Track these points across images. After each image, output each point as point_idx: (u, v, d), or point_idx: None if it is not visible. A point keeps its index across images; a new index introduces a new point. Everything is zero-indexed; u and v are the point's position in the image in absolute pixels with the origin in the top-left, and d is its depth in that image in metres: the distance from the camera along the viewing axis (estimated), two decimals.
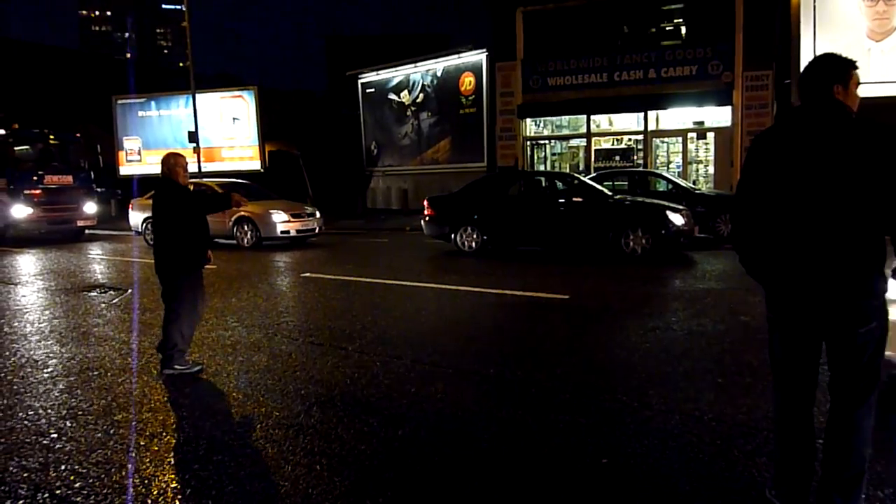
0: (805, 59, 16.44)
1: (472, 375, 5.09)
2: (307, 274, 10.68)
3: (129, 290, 9.50)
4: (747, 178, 2.75)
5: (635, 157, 19.85)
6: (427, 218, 13.23)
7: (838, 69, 2.68)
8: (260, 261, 12.61)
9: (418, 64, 24.12)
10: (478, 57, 22.22)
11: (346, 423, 4.16)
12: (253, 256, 13.28)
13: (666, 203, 11.60)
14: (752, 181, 2.72)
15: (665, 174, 15.85)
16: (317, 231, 15.43)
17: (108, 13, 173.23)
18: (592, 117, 20.44)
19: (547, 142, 21.61)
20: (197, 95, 23.62)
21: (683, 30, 19.37)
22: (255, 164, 26.33)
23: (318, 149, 29.02)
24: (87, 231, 19.12)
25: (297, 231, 14.82)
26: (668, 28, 19.58)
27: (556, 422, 4.11)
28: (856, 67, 2.71)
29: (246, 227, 14.72)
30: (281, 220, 14.58)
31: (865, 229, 2.50)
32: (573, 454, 3.63)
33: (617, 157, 20.24)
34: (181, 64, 53.99)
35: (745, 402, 4.32)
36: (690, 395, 4.53)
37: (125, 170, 28.15)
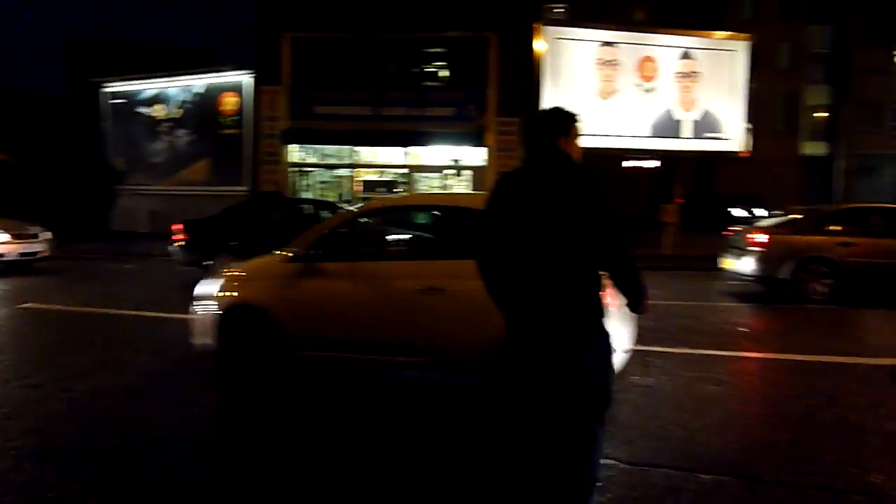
0: None
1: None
2: (28, 304, 9.24)
3: None
4: (488, 218, 2.89)
5: (399, 190, 20.49)
6: (179, 243, 12.25)
7: (561, 122, 2.96)
8: None
9: (176, 78, 22.59)
10: (242, 78, 21.44)
11: (70, 477, 3.58)
12: None
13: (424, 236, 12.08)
14: (491, 220, 2.87)
15: None
16: (44, 255, 13.49)
17: None
18: (358, 148, 20.75)
19: (313, 169, 21.44)
20: None
21: (444, 73, 20.57)
22: None
23: (54, 160, 25.67)
24: None
25: (19, 254, 12.83)
26: (429, 70, 20.65)
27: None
28: (577, 121, 3.01)
29: None
30: None
31: (584, 266, 2.75)
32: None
33: (381, 189, 20.72)
34: None
35: None
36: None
37: None
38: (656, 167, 20.14)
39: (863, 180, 34.80)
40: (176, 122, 22.57)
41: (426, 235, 6.43)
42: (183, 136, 22.54)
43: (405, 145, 20.21)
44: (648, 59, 18.86)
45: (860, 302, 9.50)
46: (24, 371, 5.76)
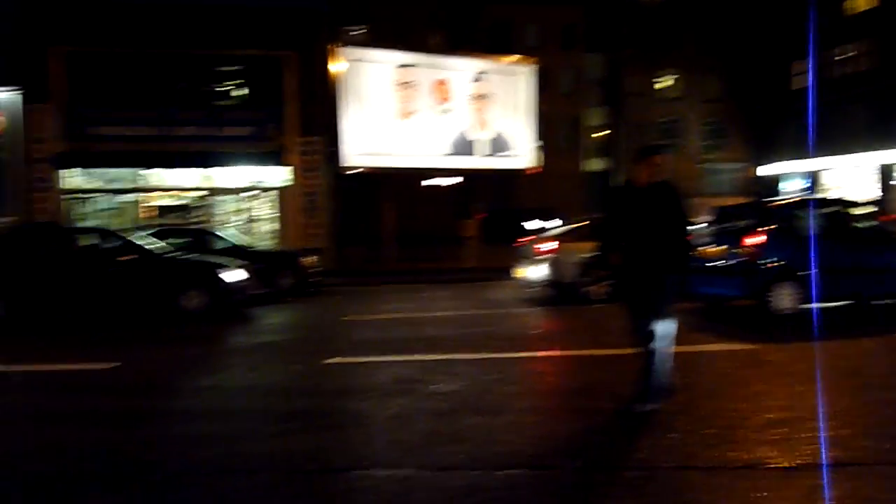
0: (346, 130, 18.42)
1: None
2: None
3: None
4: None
5: (196, 215, 19.37)
6: None
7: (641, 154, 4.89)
8: None
9: None
10: (4, 95, 19.02)
11: None
12: None
13: (220, 260, 11.45)
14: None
15: (223, 232, 15.77)
16: None
17: None
18: (148, 172, 19.29)
19: (94, 196, 19.55)
20: None
21: (240, 91, 19.87)
22: None
23: None
24: None
25: None
26: (224, 88, 19.84)
27: None
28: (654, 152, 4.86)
29: None
30: None
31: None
32: None
33: (176, 214, 19.45)
34: None
35: (299, 447, 4.37)
36: (243, 450, 4.38)
37: None
38: (455, 184, 21.05)
39: None
40: None
41: None
42: None
43: (200, 166, 19.16)
44: (443, 81, 19.73)
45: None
46: None
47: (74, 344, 8.95)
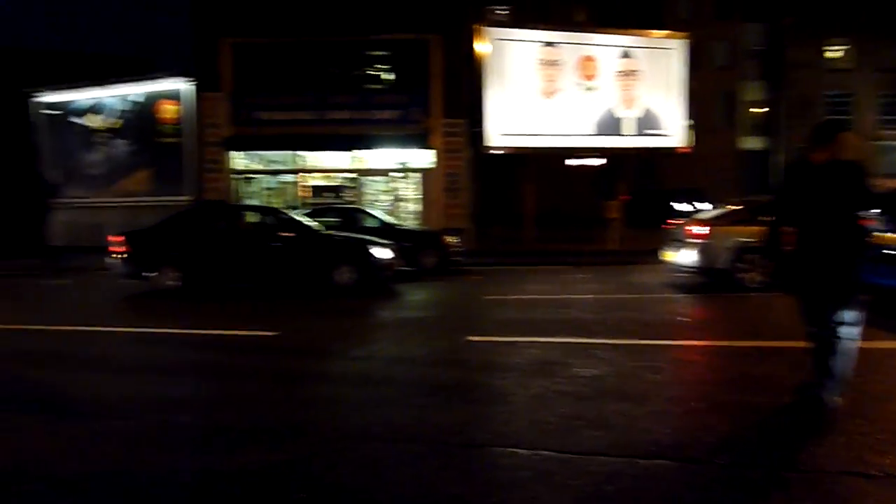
0: (490, 111, 18.48)
1: (161, 426, 4.60)
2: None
3: None
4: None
5: (347, 194, 20.35)
6: (121, 255, 11.90)
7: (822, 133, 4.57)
8: None
9: (112, 87, 21.96)
10: (181, 85, 20.97)
11: None
12: None
13: (372, 238, 11.98)
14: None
15: (373, 211, 16.44)
16: None
17: None
18: (304, 153, 20.52)
19: (258, 176, 21.12)
20: None
21: (388, 75, 20.51)
22: None
23: None
24: None
25: None
26: (373, 73, 20.56)
27: (247, 464, 3.86)
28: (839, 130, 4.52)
29: None
30: None
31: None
32: (269, 493, 3.43)
33: (329, 194, 20.54)
34: None
35: (442, 420, 4.52)
36: (389, 418, 4.61)
37: None
38: (600, 165, 20.48)
39: None
40: (114, 132, 21.93)
41: None
42: (121, 146, 21.91)
43: (351, 149, 20.07)
44: (589, 58, 19.19)
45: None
46: None
47: (241, 312, 9.77)
